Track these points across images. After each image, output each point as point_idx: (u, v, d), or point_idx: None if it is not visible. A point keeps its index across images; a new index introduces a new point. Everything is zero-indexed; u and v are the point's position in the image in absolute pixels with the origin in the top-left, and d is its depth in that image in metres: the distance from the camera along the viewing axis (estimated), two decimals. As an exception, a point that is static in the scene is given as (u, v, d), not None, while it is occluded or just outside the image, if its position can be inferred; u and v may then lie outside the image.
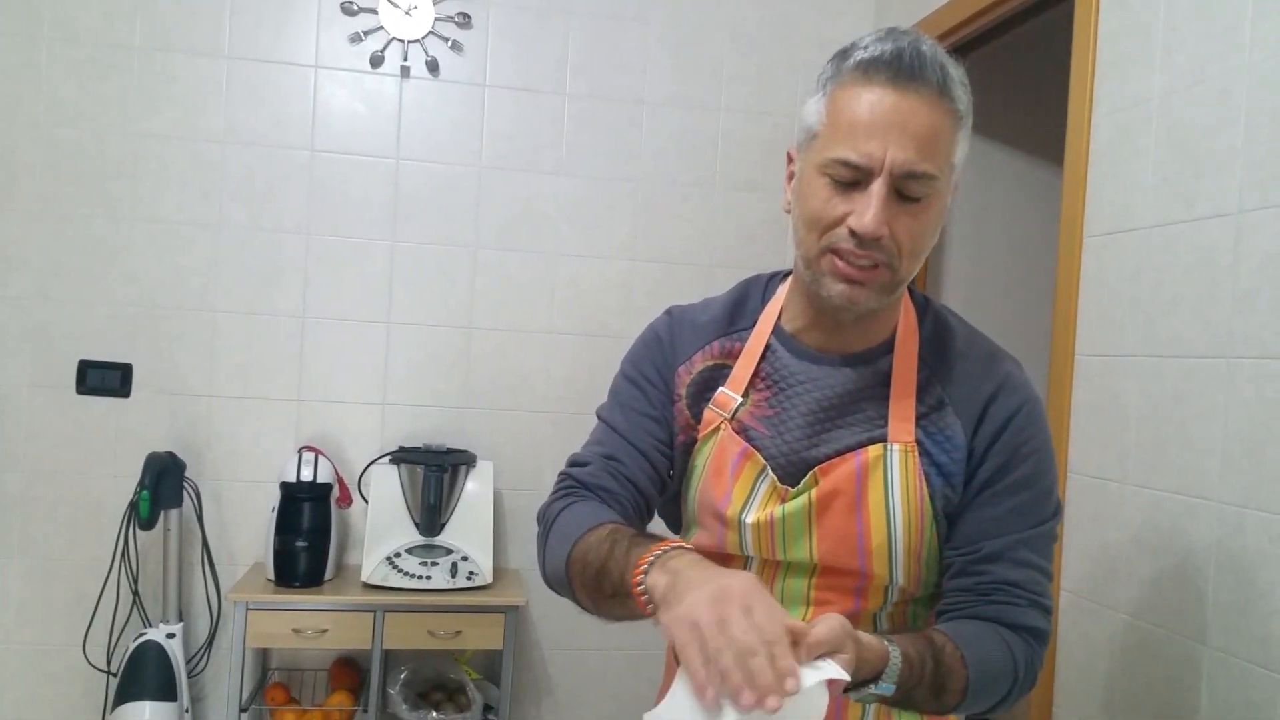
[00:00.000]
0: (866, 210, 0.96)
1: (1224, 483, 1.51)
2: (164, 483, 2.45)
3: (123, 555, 2.55)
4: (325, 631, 2.43)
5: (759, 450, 1.10)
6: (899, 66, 0.96)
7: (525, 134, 2.83)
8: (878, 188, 0.96)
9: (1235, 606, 1.47)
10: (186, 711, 2.45)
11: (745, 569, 1.13)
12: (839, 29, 2.95)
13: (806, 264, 1.04)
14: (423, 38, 2.76)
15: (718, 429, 1.13)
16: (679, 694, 0.79)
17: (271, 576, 2.49)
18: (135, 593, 2.60)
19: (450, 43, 2.78)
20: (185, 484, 2.56)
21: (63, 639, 2.61)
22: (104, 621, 2.59)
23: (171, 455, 2.51)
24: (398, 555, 2.54)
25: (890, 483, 1.05)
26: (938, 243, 1.11)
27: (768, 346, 1.14)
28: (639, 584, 0.89)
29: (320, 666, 2.76)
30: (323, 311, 2.74)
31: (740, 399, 1.13)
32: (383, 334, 2.78)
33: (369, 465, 2.73)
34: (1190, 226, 1.61)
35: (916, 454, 1.06)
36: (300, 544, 2.49)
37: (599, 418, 1.21)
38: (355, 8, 2.72)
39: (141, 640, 2.44)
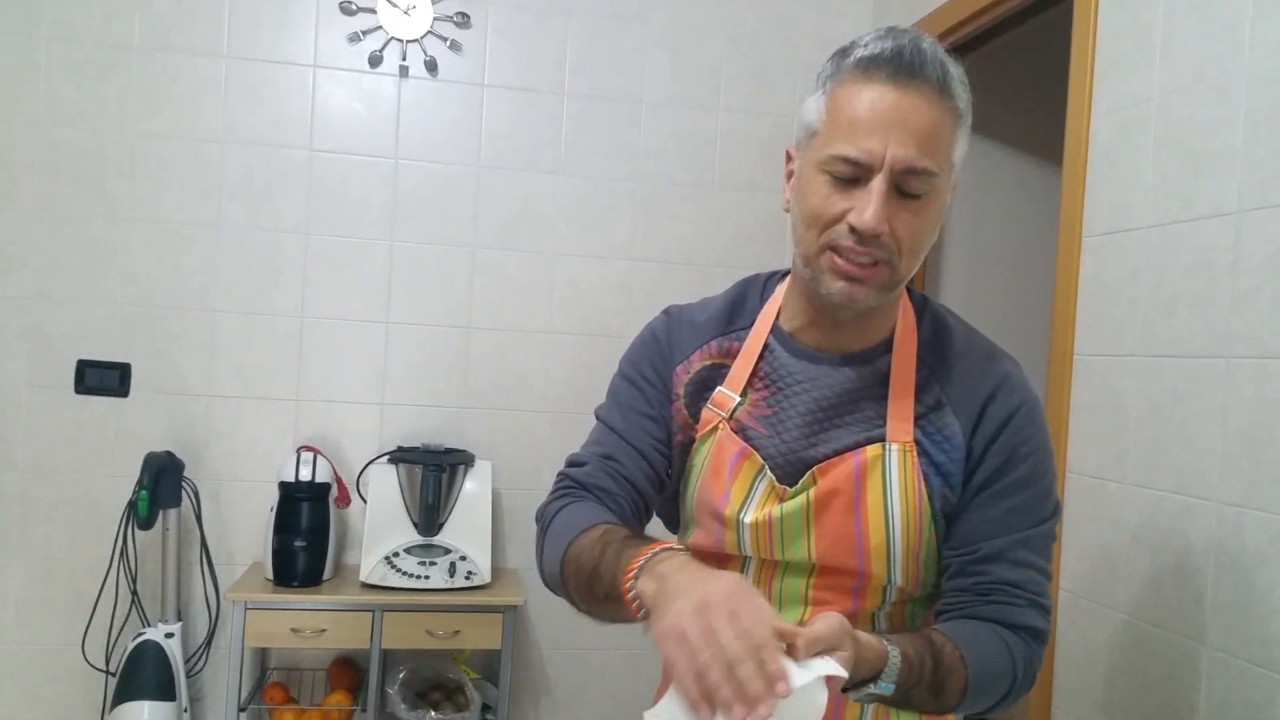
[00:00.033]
0: (867, 207, 0.96)
1: (1223, 482, 1.51)
2: (163, 482, 2.45)
3: (121, 555, 2.55)
4: (324, 631, 2.43)
5: (757, 450, 1.10)
6: (899, 64, 0.96)
7: (524, 134, 2.83)
8: (878, 184, 0.96)
9: (1234, 606, 1.47)
10: (185, 711, 2.45)
11: (743, 569, 1.13)
12: (838, 29, 2.95)
13: (806, 262, 1.04)
14: (421, 37, 2.76)
15: (716, 428, 1.12)
16: (677, 694, 0.79)
17: (270, 576, 2.48)
18: (134, 592, 2.59)
19: (449, 42, 2.78)
20: (184, 484, 2.56)
21: (61, 639, 2.61)
22: (103, 621, 2.59)
23: (170, 455, 2.51)
24: (396, 555, 2.54)
25: (889, 483, 1.05)
26: (936, 242, 1.12)
27: (766, 346, 1.14)
28: (629, 590, 0.89)
29: (319, 666, 2.75)
30: (321, 311, 2.74)
31: (738, 398, 1.12)
32: (381, 334, 2.78)
33: (367, 465, 2.72)
34: (1189, 226, 1.61)
35: (915, 454, 1.05)
36: (299, 544, 2.49)
37: (597, 418, 1.21)
38: (354, 7, 2.72)
39: (140, 640, 2.44)
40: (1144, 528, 1.68)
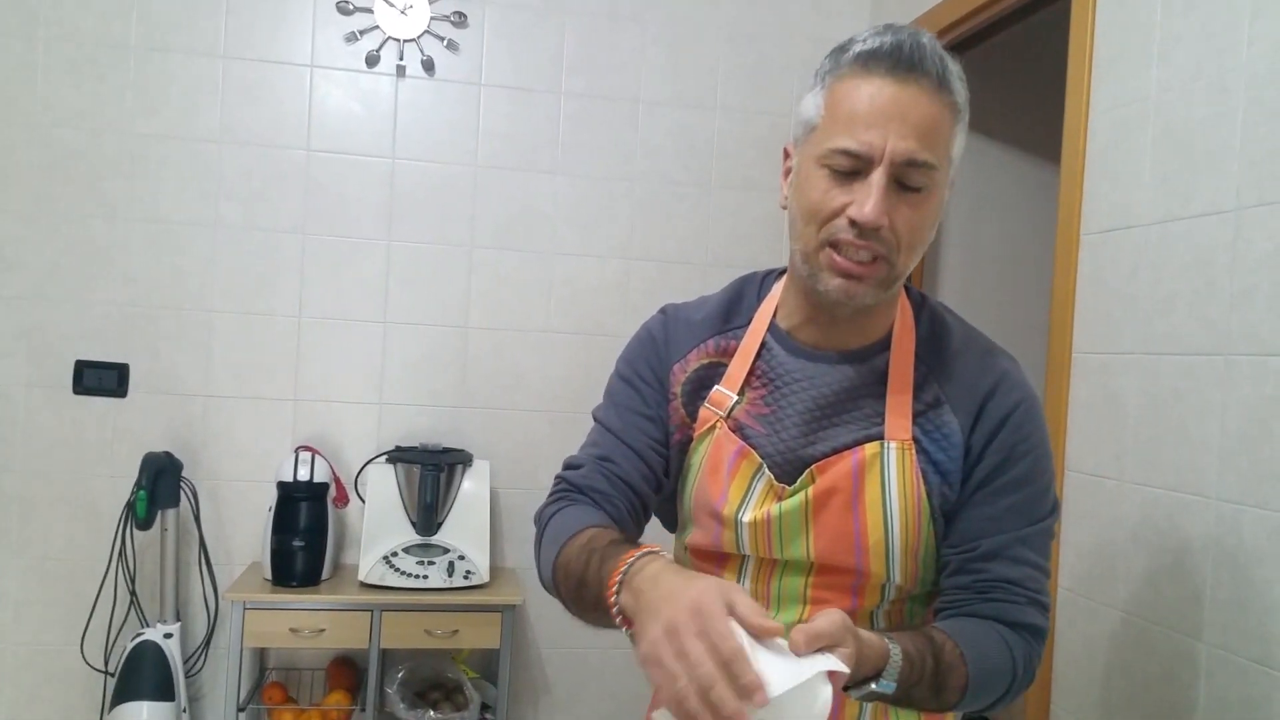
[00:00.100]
0: (867, 199, 0.96)
1: (1221, 480, 1.51)
2: (161, 483, 2.45)
3: (120, 555, 2.55)
4: (322, 631, 2.43)
5: (755, 448, 1.10)
6: (898, 58, 0.96)
7: (521, 133, 2.83)
8: (878, 177, 0.96)
9: (1232, 603, 1.47)
10: (184, 711, 2.45)
11: (742, 567, 1.13)
12: (835, 28, 2.95)
13: (805, 258, 1.03)
14: (418, 37, 2.75)
15: (713, 427, 1.12)
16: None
17: (269, 576, 2.48)
18: (133, 593, 2.59)
19: (446, 42, 2.77)
20: (182, 484, 2.55)
21: (60, 639, 2.61)
22: (101, 621, 2.59)
23: (168, 455, 2.51)
24: (394, 555, 2.53)
25: (887, 481, 1.05)
26: (934, 240, 1.12)
27: (763, 344, 1.14)
28: (614, 607, 0.89)
29: (318, 666, 2.75)
30: (319, 311, 2.74)
31: (736, 397, 1.12)
32: (379, 334, 2.78)
33: (365, 465, 2.72)
34: (1187, 224, 1.61)
35: (913, 452, 1.05)
36: (297, 543, 2.49)
37: (594, 419, 1.21)
38: (351, 7, 2.71)
39: (139, 640, 2.44)
40: (1142, 525, 1.68)
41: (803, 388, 1.10)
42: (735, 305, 1.19)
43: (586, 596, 0.97)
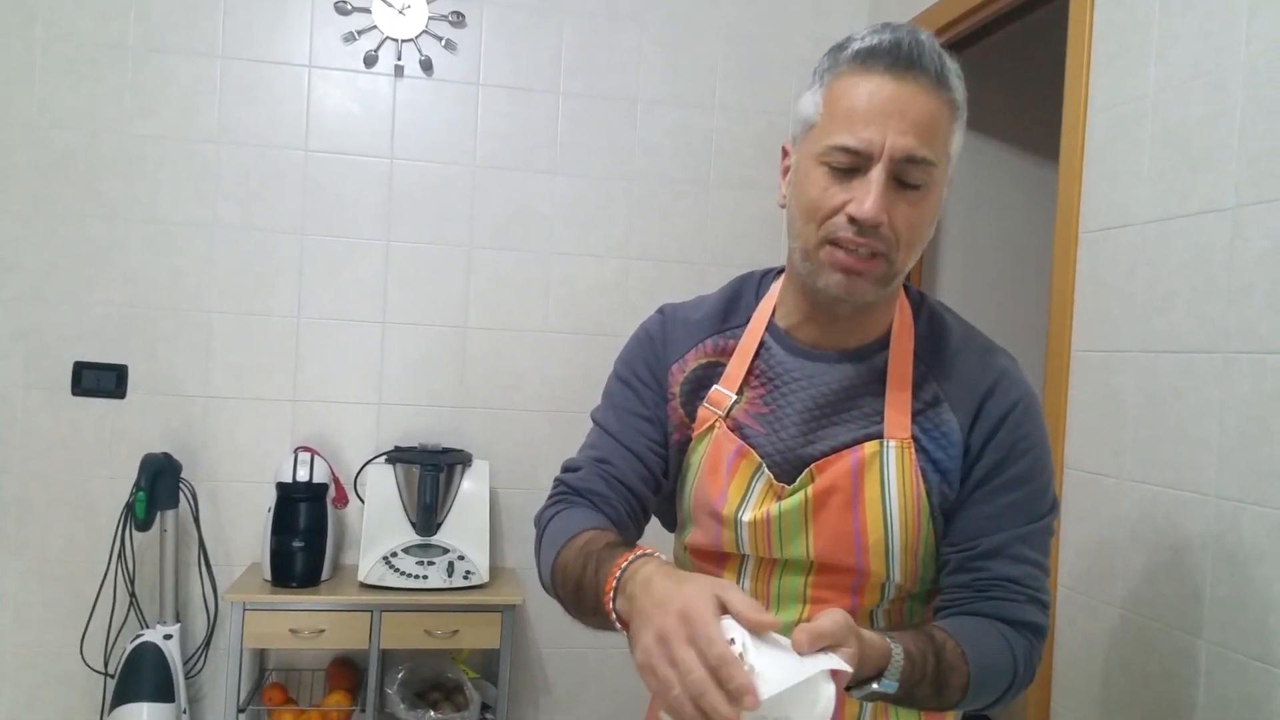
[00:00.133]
0: (866, 196, 0.96)
1: (1220, 477, 1.51)
2: (160, 484, 2.45)
3: (119, 556, 2.55)
4: (322, 631, 2.42)
5: (754, 448, 1.10)
6: (897, 55, 0.96)
7: (519, 133, 2.83)
8: (877, 174, 0.96)
9: (1231, 601, 1.47)
10: (184, 713, 2.45)
11: (741, 567, 1.13)
12: (833, 27, 2.95)
13: (805, 255, 1.03)
14: (416, 37, 2.75)
15: (712, 427, 1.12)
16: None
17: (268, 577, 2.48)
18: (132, 594, 2.59)
19: (444, 42, 2.77)
20: (181, 485, 2.55)
21: (59, 641, 2.61)
22: (101, 623, 2.58)
23: (167, 456, 2.51)
24: (394, 555, 2.53)
25: (887, 479, 1.05)
26: (933, 239, 1.12)
27: (762, 343, 1.14)
28: (612, 614, 0.90)
29: (318, 666, 2.75)
30: (318, 311, 2.74)
31: (735, 396, 1.12)
32: (378, 334, 2.78)
33: (365, 465, 2.72)
34: (1186, 222, 1.61)
35: (913, 450, 1.05)
36: (297, 544, 2.48)
37: (593, 420, 1.21)
38: (349, 7, 2.71)
39: (139, 641, 2.43)
40: (1142, 523, 1.68)
41: (801, 387, 1.10)
42: (733, 304, 1.18)
43: (585, 601, 0.97)
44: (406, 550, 2.55)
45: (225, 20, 2.67)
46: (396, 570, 2.49)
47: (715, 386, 1.14)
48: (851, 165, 0.97)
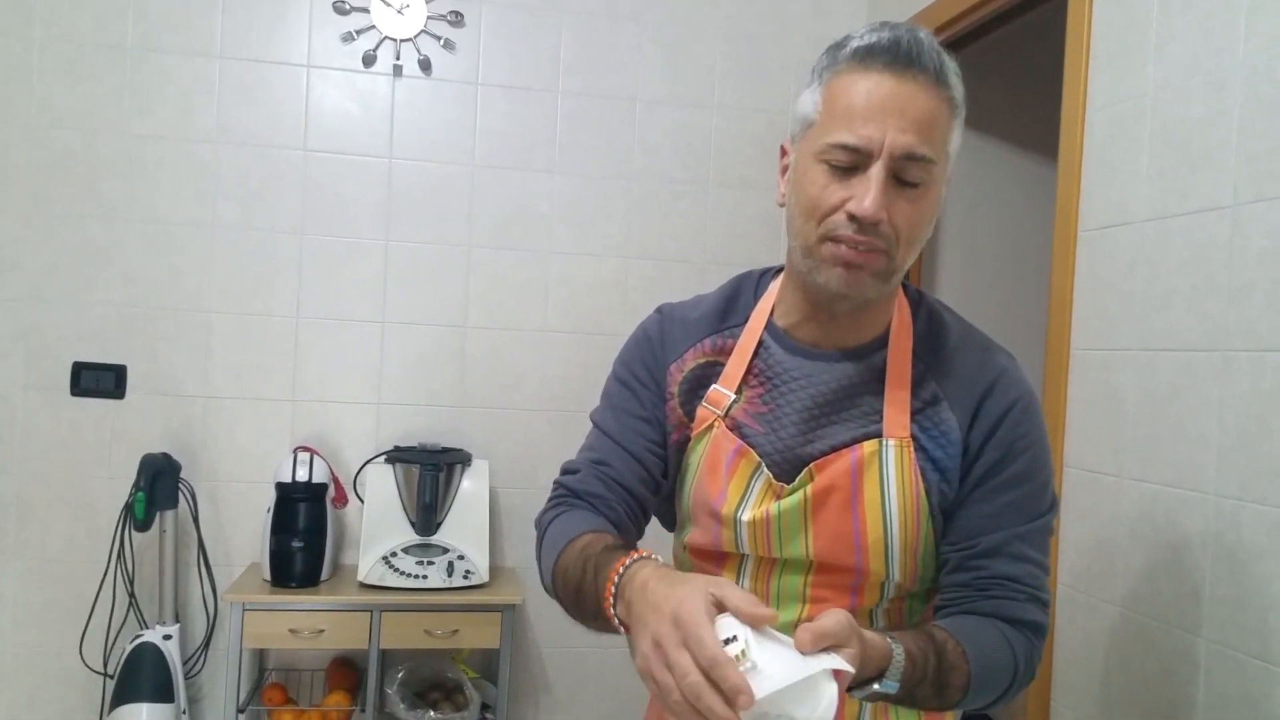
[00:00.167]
0: (866, 194, 0.96)
1: (1220, 476, 1.51)
2: (159, 484, 2.45)
3: (118, 557, 2.54)
4: (322, 632, 2.42)
5: (754, 447, 1.10)
6: (897, 53, 0.96)
7: (518, 132, 2.83)
8: (876, 171, 0.96)
9: (1231, 599, 1.47)
10: (184, 713, 2.45)
11: (741, 567, 1.13)
12: (832, 26, 2.95)
13: (804, 253, 1.03)
14: (415, 36, 2.75)
15: (711, 427, 1.12)
16: None
17: (268, 577, 2.48)
18: (131, 594, 2.59)
19: (442, 41, 2.77)
20: (180, 485, 2.55)
21: (59, 641, 2.61)
22: (100, 623, 2.58)
23: (166, 456, 2.50)
24: (394, 555, 2.53)
25: (886, 478, 1.05)
26: (932, 237, 1.11)
27: (761, 343, 1.13)
28: (614, 618, 0.90)
29: (317, 667, 2.75)
30: (317, 311, 2.74)
31: (734, 396, 1.12)
32: (377, 333, 2.77)
33: (364, 465, 2.72)
34: (1185, 220, 1.61)
35: (912, 449, 1.05)
36: (296, 544, 2.48)
37: (592, 422, 1.21)
38: (347, 7, 2.71)
39: (138, 642, 2.43)
40: (1141, 521, 1.68)
41: (800, 386, 1.10)
42: (732, 304, 1.18)
43: (586, 605, 0.98)
44: (406, 550, 2.55)
45: (224, 20, 2.66)
46: (396, 570, 2.49)
47: (714, 386, 1.13)
48: (851, 163, 0.97)
